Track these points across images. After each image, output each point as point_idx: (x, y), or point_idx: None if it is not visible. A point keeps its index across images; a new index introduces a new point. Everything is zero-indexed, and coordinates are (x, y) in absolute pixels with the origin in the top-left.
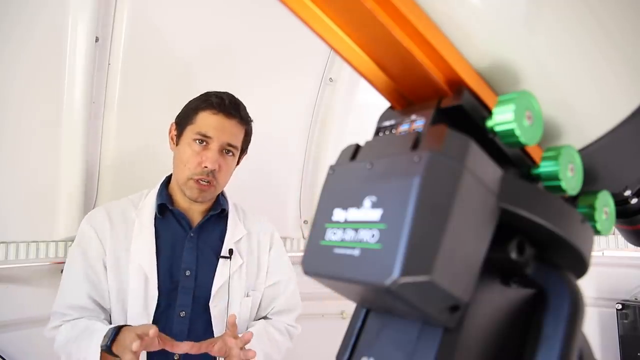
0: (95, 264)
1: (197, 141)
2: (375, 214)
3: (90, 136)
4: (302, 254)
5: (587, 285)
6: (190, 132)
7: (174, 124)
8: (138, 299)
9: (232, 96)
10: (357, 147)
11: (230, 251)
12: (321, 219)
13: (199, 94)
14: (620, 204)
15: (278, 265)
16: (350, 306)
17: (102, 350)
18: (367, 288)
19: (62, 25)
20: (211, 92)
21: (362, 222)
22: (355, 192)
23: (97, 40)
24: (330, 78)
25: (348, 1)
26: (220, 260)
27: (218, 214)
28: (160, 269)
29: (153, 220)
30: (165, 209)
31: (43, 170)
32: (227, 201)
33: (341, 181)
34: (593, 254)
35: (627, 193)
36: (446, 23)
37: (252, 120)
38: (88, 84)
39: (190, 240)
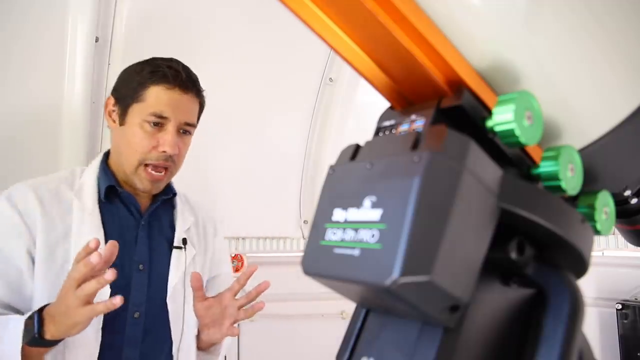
0: (16, 257)
1: (151, 123)
2: (375, 214)
3: (90, 136)
4: (302, 254)
5: (587, 285)
6: (139, 112)
7: (112, 98)
8: None
9: (184, 65)
10: (357, 147)
11: (184, 241)
12: (321, 219)
13: None
14: (620, 204)
15: (223, 255)
16: (350, 306)
17: (30, 345)
18: (367, 288)
19: (62, 25)
20: (157, 59)
21: (362, 222)
22: (355, 192)
23: (97, 40)
24: (330, 78)
25: (348, 1)
26: (174, 251)
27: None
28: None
29: (97, 205)
30: (112, 192)
31: (44, 171)
32: (173, 185)
33: (341, 181)
34: (593, 254)
35: (627, 193)
36: (446, 23)
37: (203, 91)
38: (88, 83)
39: (142, 229)
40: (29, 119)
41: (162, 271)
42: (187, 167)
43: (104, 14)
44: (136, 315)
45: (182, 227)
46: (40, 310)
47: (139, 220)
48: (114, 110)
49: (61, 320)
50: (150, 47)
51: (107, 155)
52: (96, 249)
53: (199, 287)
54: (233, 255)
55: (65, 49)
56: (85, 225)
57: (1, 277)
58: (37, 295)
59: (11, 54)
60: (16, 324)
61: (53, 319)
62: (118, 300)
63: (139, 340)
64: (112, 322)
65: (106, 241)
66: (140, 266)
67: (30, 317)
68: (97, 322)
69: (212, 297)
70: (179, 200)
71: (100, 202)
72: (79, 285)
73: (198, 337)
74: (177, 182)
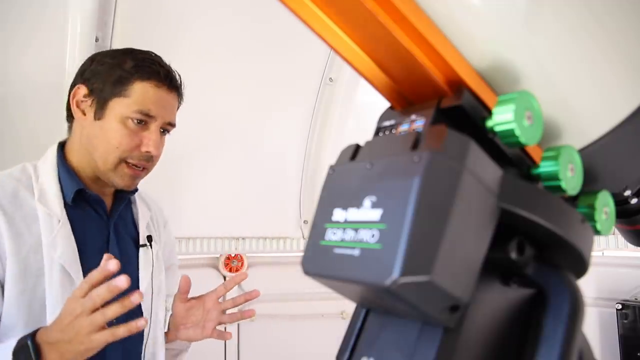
0: None
1: (135, 120)
2: (375, 214)
3: None
4: (302, 254)
5: (587, 285)
6: (123, 107)
7: (83, 88)
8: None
9: (162, 59)
10: (357, 147)
11: (149, 238)
12: (321, 219)
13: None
14: (620, 203)
15: (172, 246)
16: (350, 306)
17: None
18: (367, 288)
19: (62, 25)
20: (135, 50)
21: (362, 222)
22: (355, 192)
23: (97, 40)
24: (330, 78)
25: (348, 1)
26: (141, 249)
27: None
28: (87, 270)
29: (64, 210)
30: (78, 195)
31: None
32: None
33: (341, 181)
34: (593, 254)
35: (627, 193)
36: (446, 23)
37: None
38: None
39: (113, 231)
40: (30, 118)
41: (133, 270)
42: (187, 167)
43: (104, 14)
44: (114, 320)
45: (143, 223)
46: (32, 336)
47: (107, 222)
48: (84, 101)
49: (69, 347)
50: (150, 47)
51: (61, 149)
52: (116, 270)
53: (186, 290)
54: (233, 255)
55: (65, 49)
56: (56, 234)
57: None
58: (10, 314)
59: (11, 53)
60: (4, 352)
61: (55, 347)
62: (143, 322)
63: (120, 345)
64: None
65: (79, 249)
66: None
67: (22, 347)
68: None
69: (195, 298)
70: (137, 196)
71: (66, 206)
72: (93, 310)
73: (168, 333)
74: (177, 181)
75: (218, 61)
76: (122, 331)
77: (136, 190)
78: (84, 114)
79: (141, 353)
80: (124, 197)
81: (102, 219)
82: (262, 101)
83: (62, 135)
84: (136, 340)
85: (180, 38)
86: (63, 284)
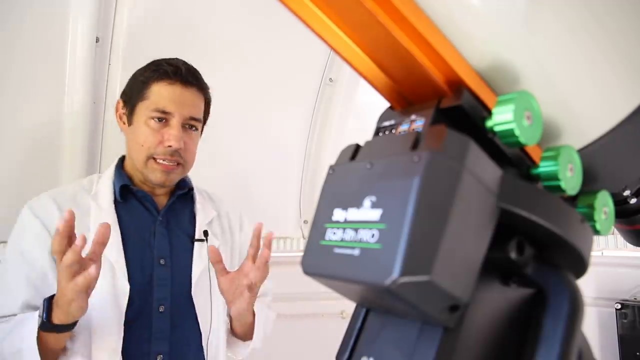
0: (41, 262)
1: (155, 119)
2: (375, 214)
3: (91, 137)
4: (302, 253)
5: (586, 285)
6: (144, 109)
7: (120, 101)
8: (105, 295)
9: (186, 62)
10: (357, 147)
11: (205, 233)
12: (321, 219)
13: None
14: (620, 203)
15: None
16: (350, 306)
17: (42, 330)
18: (366, 288)
19: (62, 25)
20: (160, 59)
21: (361, 222)
22: (355, 192)
23: (97, 40)
24: (330, 78)
25: (348, 1)
26: (196, 244)
27: (184, 194)
28: (129, 259)
29: (113, 205)
30: (127, 192)
31: (45, 168)
32: (190, 180)
33: (341, 181)
34: (592, 253)
35: (627, 193)
36: (446, 23)
37: (209, 88)
38: (88, 84)
39: (160, 224)
40: (29, 119)
41: (185, 265)
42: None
43: (104, 14)
44: (161, 309)
45: (203, 220)
46: (51, 299)
47: (156, 216)
48: (124, 113)
49: (61, 302)
50: (150, 47)
51: (122, 160)
52: (71, 219)
53: (218, 260)
54: None
55: (66, 49)
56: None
57: (28, 281)
58: None
59: (12, 54)
60: (34, 315)
61: (58, 305)
62: (93, 270)
63: (167, 334)
64: (138, 317)
65: (123, 238)
66: (162, 261)
67: (42, 304)
68: (120, 316)
69: (235, 271)
70: (197, 195)
71: (116, 202)
72: (73, 275)
73: (231, 324)
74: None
75: (218, 61)
76: (80, 279)
77: (190, 189)
78: (124, 124)
79: (191, 347)
80: (174, 194)
81: (152, 215)
82: (262, 101)
83: (61, 135)
84: (187, 335)
85: (180, 38)
86: (106, 271)
